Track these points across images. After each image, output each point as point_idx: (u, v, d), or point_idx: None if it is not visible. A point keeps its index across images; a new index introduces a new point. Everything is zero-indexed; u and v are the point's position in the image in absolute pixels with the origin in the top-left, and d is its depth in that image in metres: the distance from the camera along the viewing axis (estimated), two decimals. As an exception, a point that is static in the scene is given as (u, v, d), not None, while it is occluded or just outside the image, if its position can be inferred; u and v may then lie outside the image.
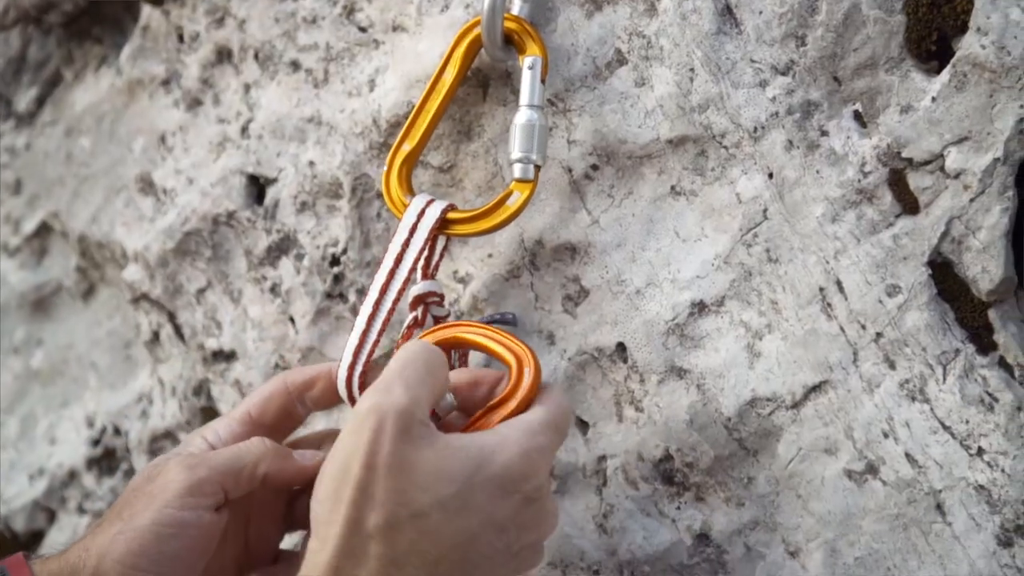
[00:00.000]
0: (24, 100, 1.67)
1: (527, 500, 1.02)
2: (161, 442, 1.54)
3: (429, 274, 1.27)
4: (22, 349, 1.71)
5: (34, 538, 1.66)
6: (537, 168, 1.23)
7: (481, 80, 1.30)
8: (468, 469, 0.99)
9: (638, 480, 1.23)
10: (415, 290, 1.26)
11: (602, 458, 1.26)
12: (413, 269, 1.26)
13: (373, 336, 1.24)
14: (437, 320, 1.27)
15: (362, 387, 1.24)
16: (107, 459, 1.60)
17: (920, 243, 1.15)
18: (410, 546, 0.96)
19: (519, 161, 1.23)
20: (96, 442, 1.61)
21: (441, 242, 1.28)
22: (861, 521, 1.17)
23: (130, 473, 1.58)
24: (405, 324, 1.26)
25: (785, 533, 1.20)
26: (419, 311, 1.26)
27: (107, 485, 1.59)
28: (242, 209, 1.40)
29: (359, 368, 1.24)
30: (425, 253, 1.26)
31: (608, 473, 1.25)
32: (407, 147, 1.28)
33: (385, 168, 1.29)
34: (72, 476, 1.62)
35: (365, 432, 0.98)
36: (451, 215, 1.26)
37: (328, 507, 0.98)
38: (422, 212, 1.26)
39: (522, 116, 1.23)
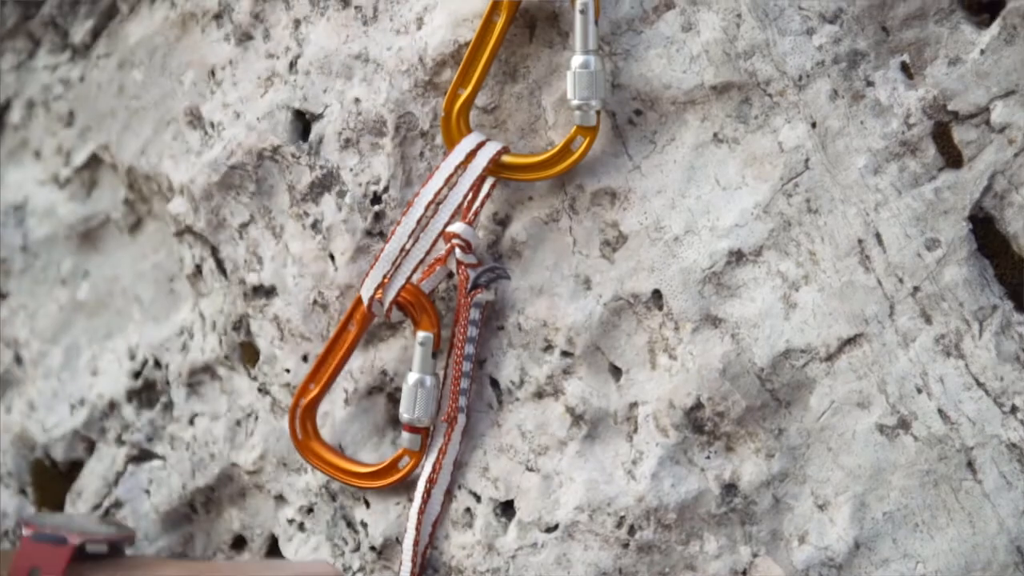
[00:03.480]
0: (80, 32, 1.67)
1: None
2: (200, 376, 1.55)
3: (468, 218, 1.29)
4: (69, 280, 1.71)
5: (73, 467, 1.67)
6: (598, 113, 1.24)
7: (528, 21, 1.30)
8: None
9: (668, 428, 1.23)
10: (449, 227, 1.27)
11: (633, 405, 1.25)
12: (457, 209, 1.28)
13: (407, 269, 1.28)
14: (460, 265, 1.28)
15: (390, 310, 1.31)
16: (147, 391, 1.61)
17: (962, 197, 1.14)
18: None
19: (580, 108, 1.24)
20: (137, 374, 1.62)
21: (487, 184, 1.29)
22: (891, 476, 1.17)
23: (169, 406, 1.58)
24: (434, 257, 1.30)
25: (814, 486, 1.19)
26: (444, 249, 1.30)
27: (146, 417, 1.60)
28: (287, 144, 1.41)
29: (391, 295, 1.30)
30: (469, 195, 1.28)
31: (639, 420, 1.25)
32: (463, 92, 1.29)
33: (443, 114, 1.30)
34: (112, 407, 1.63)
35: None
36: (507, 159, 1.28)
37: None
38: (472, 153, 1.27)
39: (578, 60, 1.23)
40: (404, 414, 1.32)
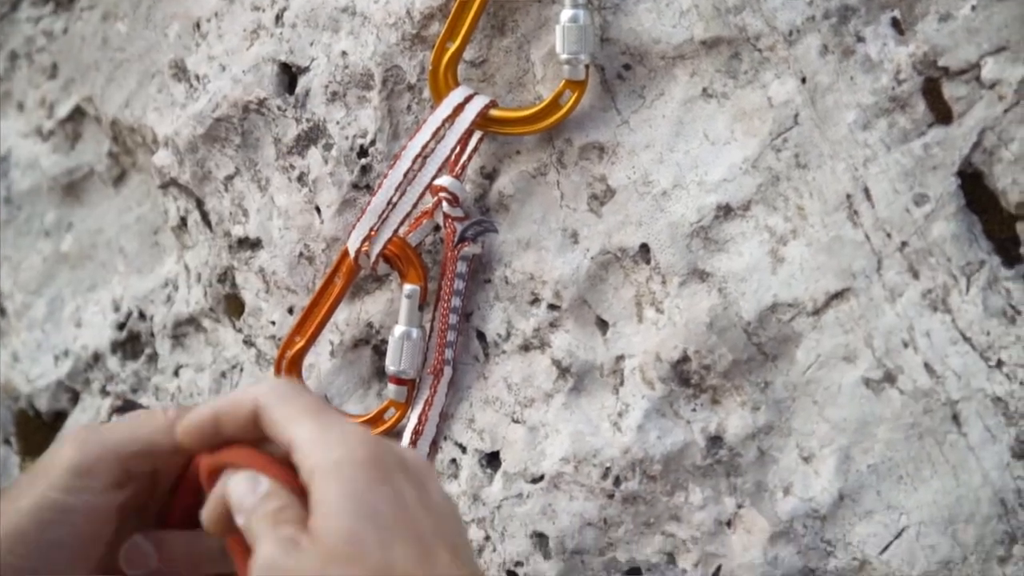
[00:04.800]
0: (63, -16, 1.67)
1: (399, 466, 0.87)
2: (185, 327, 1.55)
3: (456, 171, 1.29)
4: (52, 232, 1.71)
5: (57, 418, 1.67)
6: (587, 67, 1.24)
7: (517, -26, 1.29)
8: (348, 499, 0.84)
9: (655, 381, 1.23)
10: (437, 180, 1.28)
11: (620, 358, 1.26)
12: (444, 163, 1.28)
13: (393, 222, 1.30)
14: (447, 218, 1.28)
15: (376, 263, 1.32)
16: (131, 343, 1.61)
17: (951, 153, 1.14)
18: None
19: (568, 62, 1.24)
20: (121, 326, 1.61)
21: (475, 138, 1.29)
22: (876, 429, 1.17)
23: (153, 358, 1.58)
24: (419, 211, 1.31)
25: (799, 439, 1.20)
26: (431, 203, 1.31)
27: (130, 368, 1.60)
28: (273, 97, 1.40)
29: (377, 247, 1.31)
30: (457, 149, 1.28)
31: (625, 373, 1.25)
32: (451, 45, 1.29)
33: (430, 68, 1.29)
34: (96, 358, 1.63)
35: None
36: (496, 113, 1.28)
37: None
38: (460, 106, 1.27)
39: (567, 14, 1.23)
40: (390, 366, 1.32)
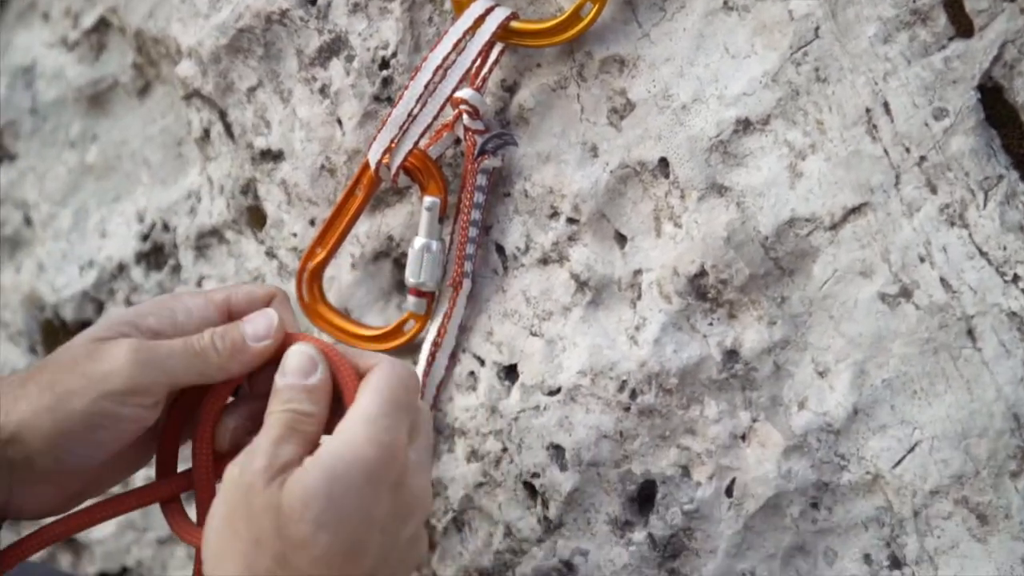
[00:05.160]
0: None
1: (395, 487, 1.00)
2: (208, 239, 1.56)
3: (476, 84, 1.28)
4: (77, 143, 1.72)
5: (82, 327, 1.67)
6: None
7: None
8: (327, 481, 0.96)
9: (672, 295, 1.23)
10: (457, 93, 1.27)
11: (638, 272, 1.26)
12: (465, 75, 1.27)
13: (414, 134, 1.30)
14: (467, 131, 1.28)
15: (397, 175, 1.32)
16: (155, 254, 1.62)
17: (971, 67, 1.13)
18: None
19: None
20: (145, 237, 1.62)
21: (496, 50, 1.29)
22: (891, 344, 1.17)
23: (177, 269, 1.59)
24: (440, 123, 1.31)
25: (815, 353, 1.20)
26: (452, 115, 1.31)
27: (154, 279, 1.61)
28: (295, 8, 1.39)
29: (398, 159, 1.31)
30: (478, 61, 1.27)
31: (643, 287, 1.25)
32: (475, -47, 1.29)
33: None
34: (121, 269, 1.64)
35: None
36: (516, 25, 1.27)
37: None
38: (481, 18, 1.26)
39: None
40: (410, 278, 1.32)
